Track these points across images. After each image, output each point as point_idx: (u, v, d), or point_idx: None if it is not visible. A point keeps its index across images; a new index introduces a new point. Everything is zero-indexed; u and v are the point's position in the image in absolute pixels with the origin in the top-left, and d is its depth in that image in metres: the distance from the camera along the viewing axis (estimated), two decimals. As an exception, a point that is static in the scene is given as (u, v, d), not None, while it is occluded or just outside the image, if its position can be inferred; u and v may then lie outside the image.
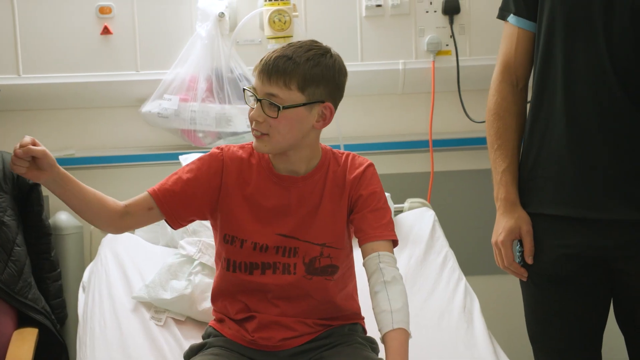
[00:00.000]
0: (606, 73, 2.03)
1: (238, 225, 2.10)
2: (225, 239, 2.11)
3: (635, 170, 2.05)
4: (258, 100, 2.01)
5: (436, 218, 2.92)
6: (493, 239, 2.21)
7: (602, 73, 2.03)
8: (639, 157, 2.06)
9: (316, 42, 2.09)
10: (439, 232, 2.85)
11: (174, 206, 2.09)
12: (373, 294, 2.01)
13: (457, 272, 2.67)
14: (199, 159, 2.14)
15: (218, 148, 2.16)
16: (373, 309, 2.01)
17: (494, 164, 2.21)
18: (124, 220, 2.08)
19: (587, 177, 2.08)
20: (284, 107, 2.00)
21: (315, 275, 2.09)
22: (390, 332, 1.95)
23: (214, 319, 2.22)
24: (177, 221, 2.11)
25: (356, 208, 2.11)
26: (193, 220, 2.16)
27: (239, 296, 2.14)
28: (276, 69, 2.00)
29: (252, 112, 2.04)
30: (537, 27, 2.14)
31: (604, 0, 2.02)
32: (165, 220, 2.12)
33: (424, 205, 3.04)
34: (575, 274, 2.13)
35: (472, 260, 3.10)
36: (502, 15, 2.22)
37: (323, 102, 2.05)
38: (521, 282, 2.25)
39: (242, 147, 2.17)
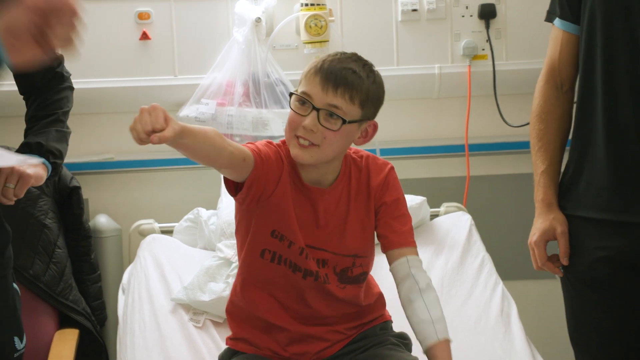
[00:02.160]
0: None
1: (288, 226, 2.01)
2: (274, 234, 2.02)
3: None
4: (316, 109, 1.94)
5: (473, 222, 2.91)
6: (529, 239, 2.21)
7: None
8: None
9: (358, 55, 2.05)
10: (476, 237, 2.84)
11: (259, 170, 1.95)
12: (407, 302, 1.99)
13: (494, 276, 2.67)
14: (270, 145, 2.02)
15: (275, 144, 2.04)
16: (409, 317, 1.99)
17: (534, 165, 2.22)
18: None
19: (626, 183, 2.07)
20: (348, 122, 1.95)
21: (348, 283, 2.07)
22: (436, 345, 1.93)
23: (231, 338, 2.13)
24: (250, 186, 1.95)
25: (379, 214, 2.08)
26: (249, 195, 1.97)
27: (273, 290, 2.05)
28: (344, 81, 1.94)
29: (305, 121, 1.93)
30: (580, 30, 2.14)
31: None
32: (241, 182, 1.95)
33: (460, 209, 3.04)
34: (613, 278, 2.11)
35: (510, 264, 3.09)
36: (550, 17, 2.22)
37: (372, 119, 2.04)
38: (562, 284, 2.25)
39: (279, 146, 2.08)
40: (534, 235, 2.18)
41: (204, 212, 2.88)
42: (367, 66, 2.01)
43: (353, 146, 2.08)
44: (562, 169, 2.23)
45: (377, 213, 2.08)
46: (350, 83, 1.94)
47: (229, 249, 2.59)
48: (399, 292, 2.02)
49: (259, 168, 1.94)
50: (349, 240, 2.05)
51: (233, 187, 1.98)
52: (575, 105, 2.19)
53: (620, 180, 2.07)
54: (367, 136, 2.05)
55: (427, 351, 1.95)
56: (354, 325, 2.13)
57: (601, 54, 2.07)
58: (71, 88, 2.71)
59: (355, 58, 2.01)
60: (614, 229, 2.09)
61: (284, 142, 2.04)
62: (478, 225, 2.93)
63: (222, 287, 2.49)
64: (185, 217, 2.94)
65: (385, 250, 2.06)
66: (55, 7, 1.42)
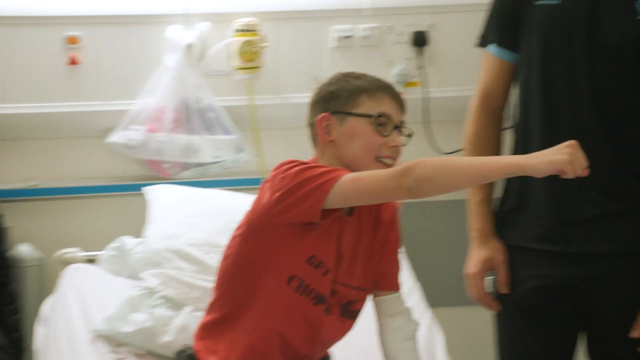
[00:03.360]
0: (583, 108, 2.02)
1: (329, 254, 1.90)
2: (311, 261, 1.89)
3: (609, 207, 2.04)
4: (397, 127, 1.92)
5: (404, 249, 2.89)
6: (466, 270, 2.19)
7: (579, 109, 2.02)
8: (613, 195, 2.05)
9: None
10: (405, 264, 2.82)
11: None
12: (403, 339, 1.98)
13: (422, 305, 2.64)
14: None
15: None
16: (394, 351, 1.97)
17: (470, 195, 2.20)
18: None
19: (564, 213, 2.07)
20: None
21: (347, 318, 1.98)
22: None
23: (207, 354, 1.95)
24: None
25: (383, 252, 2.01)
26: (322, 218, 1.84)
27: (282, 328, 1.90)
28: (403, 98, 1.97)
29: (394, 141, 1.90)
30: (521, 57, 2.13)
31: (585, 34, 2.01)
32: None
33: (391, 237, 3.02)
34: (549, 306, 2.12)
35: (439, 292, 3.08)
36: (482, 43, 2.21)
37: None
38: (495, 314, 2.23)
39: None
40: (474, 265, 2.16)
41: (128, 241, 2.82)
42: None
43: None
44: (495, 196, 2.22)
45: (383, 249, 2.01)
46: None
47: (154, 278, 2.53)
48: (386, 324, 1.99)
49: None
50: (357, 271, 1.97)
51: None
52: (513, 133, 2.18)
53: (558, 211, 2.07)
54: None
55: None
56: None
57: (539, 87, 2.07)
58: None
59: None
60: (551, 257, 2.09)
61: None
62: (408, 252, 2.91)
63: (145, 317, 2.43)
64: (110, 245, 2.87)
65: (381, 288, 2.01)
66: None
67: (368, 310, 2.03)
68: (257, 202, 1.90)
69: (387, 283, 2.01)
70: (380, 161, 1.89)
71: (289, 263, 1.87)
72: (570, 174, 1.71)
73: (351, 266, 1.95)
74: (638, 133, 2.04)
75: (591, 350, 2.19)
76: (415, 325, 2.01)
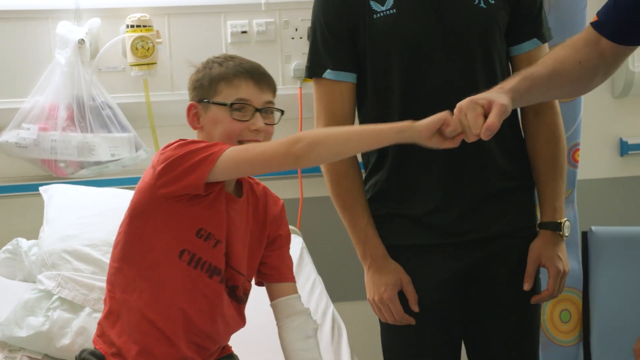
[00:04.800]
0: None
1: (218, 225, 1.93)
2: (199, 234, 1.91)
3: (478, 195, 2.14)
4: (258, 110, 1.94)
5: (304, 244, 2.90)
6: (374, 297, 2.19)
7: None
8: (477, 181, 2.14)
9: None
10: (307, 259, 2.83)
11: None
12: (303, 337, 1.99)
13: (325, 299, 2.65)
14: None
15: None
16: (295, 350, 1.98)
17: (353, 222, 2.21)
18: None
19: (436, 208, 2.14)
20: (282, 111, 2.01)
21: (233, 299, 1.99)
22: None
23: (105, 346, 1.94)
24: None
25: (274, 246, 2.05)
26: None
27: (181, 303, 1.91)
28: (269, 77, 1.99)
29: (254, 124, 1.92)
30: (365, 74, 2.17)
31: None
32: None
33: (292, 232, 3.01)
34: (437, 303, 2.18)
35: (341, 286, 3.10)
36: (315, 73, 2.21)
37: None
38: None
39: None
40: (385, 292, 2.16)
41: (24, 243, 2.74)
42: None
43: None
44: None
45: (270, 244, 2.05)
46: (270, 77, 1.99)
47: (50, 280, 2.46)
48: (286, 325, 2.00)
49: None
50: (242, 258, 1.99)
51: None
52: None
53: (428, 209, 2.15)
54: None
55: None
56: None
57: (398, 100, 2.13)
58: None
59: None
60: (438, 252, 2.16)
61: None
62: (310, 248, 2.92)
63: (41, 321, 2.36)
64: (4, 247, 2.78)
65: (270, 281, 2.04)
66: None
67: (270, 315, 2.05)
68: (140, 183, 1.95)
69: (280, 275, 2.05)
70: (243, 143, 1.95)
71: (178, 237, 1.90)
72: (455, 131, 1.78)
73: (238, 250, 1.97)
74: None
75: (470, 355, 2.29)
76: (314, 324, 2.03)
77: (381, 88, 2.16)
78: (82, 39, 2.98)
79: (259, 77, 1.96)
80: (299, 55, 3.22)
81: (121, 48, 3.09)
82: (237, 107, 1.93)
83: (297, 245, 2.87)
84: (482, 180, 2.15)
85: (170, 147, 1.90)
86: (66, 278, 2.45)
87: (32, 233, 2.84)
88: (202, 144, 1.88)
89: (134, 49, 3.01)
